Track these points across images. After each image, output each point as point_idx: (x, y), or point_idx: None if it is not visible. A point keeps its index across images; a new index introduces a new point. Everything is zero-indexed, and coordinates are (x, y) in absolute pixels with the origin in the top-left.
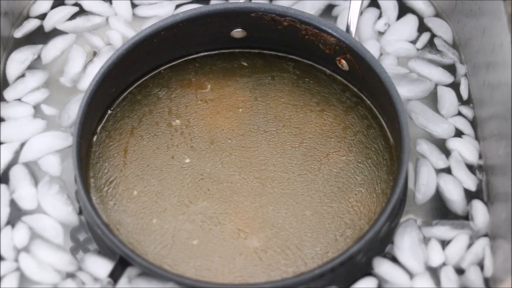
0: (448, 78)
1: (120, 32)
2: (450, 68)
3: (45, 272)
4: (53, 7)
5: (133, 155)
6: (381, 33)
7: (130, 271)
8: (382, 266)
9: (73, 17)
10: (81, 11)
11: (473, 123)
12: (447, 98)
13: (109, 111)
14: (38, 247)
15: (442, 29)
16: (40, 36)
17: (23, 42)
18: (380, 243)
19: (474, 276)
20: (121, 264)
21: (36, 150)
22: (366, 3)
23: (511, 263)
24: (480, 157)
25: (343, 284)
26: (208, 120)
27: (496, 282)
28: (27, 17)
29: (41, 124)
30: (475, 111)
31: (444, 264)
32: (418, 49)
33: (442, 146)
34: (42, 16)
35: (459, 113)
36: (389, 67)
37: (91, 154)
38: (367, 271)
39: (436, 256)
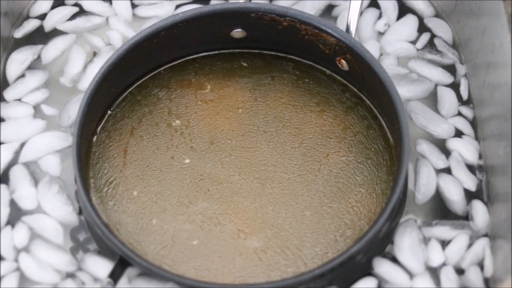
0: (448, 78)
1: (120, 32)
2: (450, 68)
3: (45, 272)
4: (53, 7)
5: (133, 155)
6: (381, 33)
7: (130, 271)
8: (382, 266)
9: (73, 17)
10: (81, 11)
11: (473, 123)
12: (447, 98)
13: (109, 112)
14: (38, 247)
15: (442, 29)
16: (40, 36)
17: (23, 42)
18: (380, 243)
19: (474, 276)
20: (121, 264)
21: (36, 150)
22: (366, 3)
23: (511, 263)
24: (480, 157)
25: (343, 284)
26: (208, 120)
27: (496, 282)
28: (27, 17)
29: (41, 124)
30: (475, 111)
31: (444, 264)
32: (418, 49)
33: (442, 146)
34: (42, 16)
35: (459, 113)
36: (389, 67)
37: (91, 155)
38: (367, 271)
39: (436, 256)
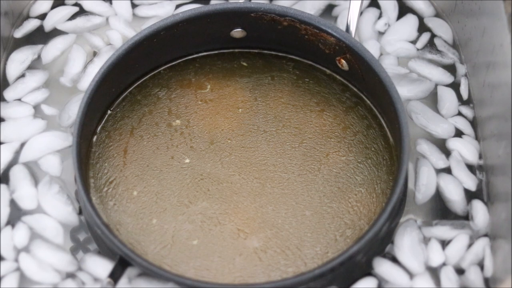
0: (448, 78)
1: (120, 32)
2: (450, 68)
3: (45, 272)
4: (53, 7)
5: (133, 155)
6: (381, 33)
7: (130, 271)
8: (382, 266)
9: (73, 17)
10: (81, 11)
11: (473, 123)
12: (447, 98)
13: (109, 111)
14: (38, 247)
15: (442, 29)
16: (40, 36)
17: (23, 42)
18: (380, 243)
19: (474, 276)
20: (121, 264)
21: (36, 150)
22: (366, 3)
23: (511, 263)
24: (480, 157)
25: (343, 284)
26: (208, 120)
27: (496, 282)
28: (27, 17)
29: (41, 124)
30: (475, 111)
31: (444, 264)
32: (418, 49)
33: (442, 146)
34: (42, 16)
35: (459, 113)
36: (389, 67)
37: (91, 154)
38: (367, 271)
39: (436, 256)
